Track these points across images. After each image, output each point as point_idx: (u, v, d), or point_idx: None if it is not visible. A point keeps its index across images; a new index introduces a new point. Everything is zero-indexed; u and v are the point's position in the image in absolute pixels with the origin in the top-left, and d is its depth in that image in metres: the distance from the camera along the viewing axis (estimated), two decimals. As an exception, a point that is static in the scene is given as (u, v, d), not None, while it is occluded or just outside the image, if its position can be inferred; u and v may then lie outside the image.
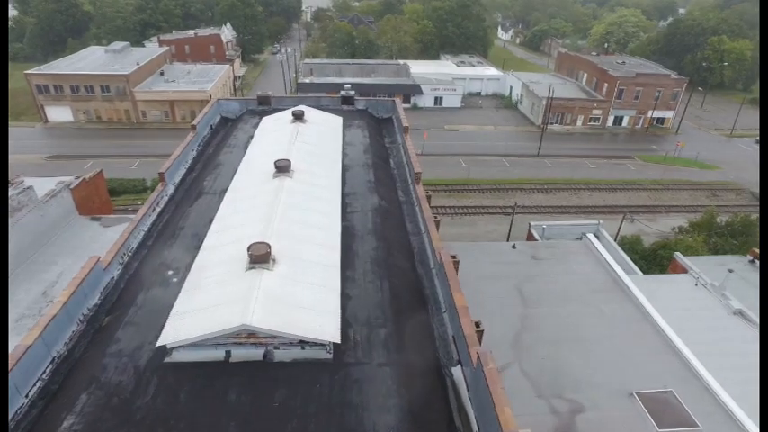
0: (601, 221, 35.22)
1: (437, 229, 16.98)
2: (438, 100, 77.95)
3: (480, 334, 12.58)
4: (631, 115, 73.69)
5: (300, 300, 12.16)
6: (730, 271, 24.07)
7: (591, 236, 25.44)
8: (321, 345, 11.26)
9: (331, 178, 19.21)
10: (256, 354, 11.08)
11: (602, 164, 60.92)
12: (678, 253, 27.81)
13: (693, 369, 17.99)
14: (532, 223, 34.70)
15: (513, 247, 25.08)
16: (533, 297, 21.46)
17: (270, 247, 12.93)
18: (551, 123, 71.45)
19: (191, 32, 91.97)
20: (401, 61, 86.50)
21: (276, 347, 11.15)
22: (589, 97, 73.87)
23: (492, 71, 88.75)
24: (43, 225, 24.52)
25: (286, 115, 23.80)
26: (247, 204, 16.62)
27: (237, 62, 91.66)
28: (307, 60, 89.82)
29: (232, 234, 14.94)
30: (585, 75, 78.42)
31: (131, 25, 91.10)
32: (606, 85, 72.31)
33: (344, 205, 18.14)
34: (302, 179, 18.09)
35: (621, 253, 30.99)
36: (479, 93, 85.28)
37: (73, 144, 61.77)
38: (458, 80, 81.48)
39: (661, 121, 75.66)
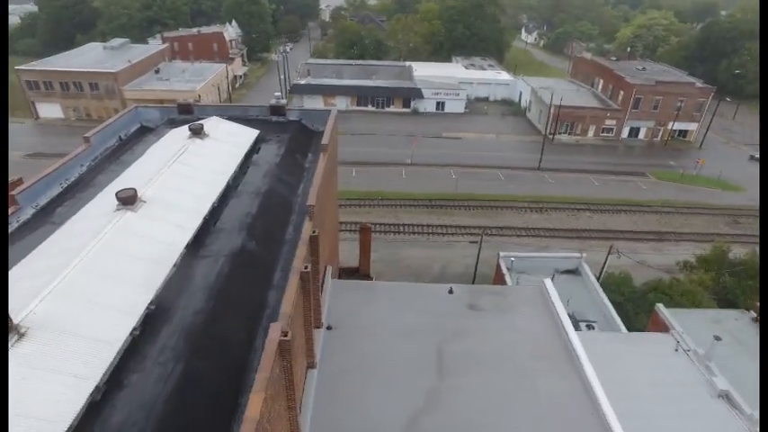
0: (584, 254, 30.87)
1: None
2: (440, 105, 73.69)
3: None
4: (649, 126, 67.65)
5: None
6: (717, 339, 19.43)
7: (548, 282, 21.17)
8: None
9: (195, 211, 15.71)
10: None
11: (609, 180, 55.51)
12: (660, 305, 23.21)
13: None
14: (501, 254, 30.72)
15: (450, 291, 21.05)
16: (454, 363, 17.46)
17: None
18: (560, 133, 66.25)
19: (194, 30, 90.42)
20: (406, 63, 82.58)
21: None
22: (603, 105, 68.22)
23: (503, 75, 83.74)
24: None
25: (186, 130, 20.50)
26: (56, 249, 13.32)
27: (238, 61, 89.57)
28: (310, 60, 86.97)
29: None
30: (601, 81, 72.65)
31: (137, 22, 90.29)
32: (622, 92, 66.53)
33: (198, 246, 14.64)
34: (149, 213, 14.68)
35: (602, 296, 26.60)
36: (487, 98, 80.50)
37: (59, 142, 60.45)
38: (464, 84, 76.93)
39: (683, 133, 69.29)
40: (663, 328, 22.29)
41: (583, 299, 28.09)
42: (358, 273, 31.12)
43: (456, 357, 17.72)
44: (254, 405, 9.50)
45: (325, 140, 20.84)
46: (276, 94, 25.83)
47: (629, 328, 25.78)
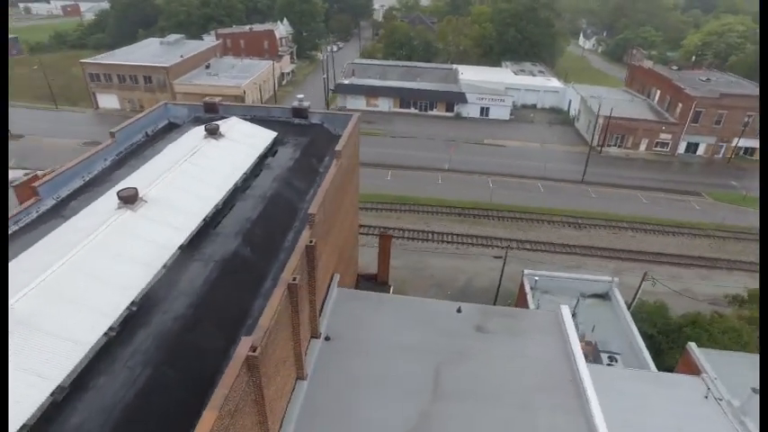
0: (616, 279, 28.90)
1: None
2: (484, 110, 71.84)
3: None
4: (710, 143, 62.93)
5: None
6: (755, 391, 17.41)
7: (565, 309, 19.78)
8: None
9: (194, 213, 15.72)
10: None
11: (659, 198, 52.03)
12: (692, 344, 21.20)
13: None
14: (526, 271, 29.28)
15: (458, 310, 20.10)
16: (452, 387, 16.58)
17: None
18: (609, 145, 62.89)
19: (246, 27, 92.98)
20: (452, 66, 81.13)
21: None
22: (658, 118, 64.13)
23: (553, 82, 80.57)
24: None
25: (202, 130, 20.69)
26: (51, 244, 13.61)
27: (286, 59, 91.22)
28: (356, 60, 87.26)
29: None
30: (658, 92, 68.34)
31: (195, 19, 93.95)
32: (680, 105, 62.22)
33: (191, 249, 14.60)
34: (148, 213, 14.81)
35: (631, 326, 24.73)
36: (535, 105, 77.72)
37: (113, 131, 63.84)
38: (511, 90, 74.65)
39: (750, 151, 63.98)
40: (694, 369, 20.33)
41: (610, 327, 26.22)
42: (376, 280, 30.62)
43: (454, 381, 16.83)
44: (205, 423, 9.20)
45: (339, 146, 20.42)
46: (299, 96, 25.73)
47: (659, 365, 23.77)
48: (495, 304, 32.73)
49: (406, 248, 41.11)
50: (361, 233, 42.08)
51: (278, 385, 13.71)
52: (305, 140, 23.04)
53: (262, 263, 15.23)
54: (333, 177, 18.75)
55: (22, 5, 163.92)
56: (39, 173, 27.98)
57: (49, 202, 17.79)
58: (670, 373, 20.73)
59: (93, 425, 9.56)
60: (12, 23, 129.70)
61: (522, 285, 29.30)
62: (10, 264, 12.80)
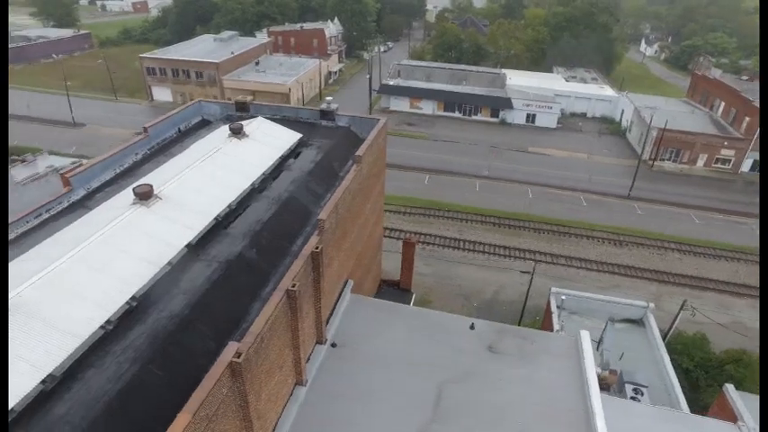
0: (651, 304, 27.13)
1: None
2: (530, 117, 69.63)
3: None
4: (778, 162, 57.90)
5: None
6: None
7: (585, 334, 18.66)
8: None
9: (206, 213, 15.98)
10: None
11: (714, 219, 48.51)
12: (729, 386, 19.44)
13: None
14: (553, 289, 28.02)
15: (472, 327, 19.40)
16: (453, 407, 15.99)
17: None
18: (662, 159, 59.33)
19: (297, 26, 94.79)
20: (500, 70, 79.17)
21: None
22: (720, 132, 59.78)
23: (606, 91, 76.95)
24: (19, 205, 25.02)
25: (227, 129, 21.07)
26: (66, 235, 14.18)
27: (335, 57, 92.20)
28: (403, 61, 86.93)
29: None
30: (723, 103, 63.73)
31: (249, 16, 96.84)
32: (748, 118, 57.70)
33: (197, 249, 14.84)
34: (161, 210, 15.20)
35: (664, 357, 23.17)
36: (585, 114, 74.53)
37: (166, 123, 66.86)
38: (560, 97, 71.98)
39: (823, 173, 58.31)
40: (729, 415, 18.63)
41: (640, 356, 24.58)
42: (398, 287, 30.28)
43: (456, 401, 16.23)
44: (177, 426, 9.23)
45: (360, 151, 20.20)
46: (328, 98, 25.72)
47: (693, 404, 22.04)
48: (521, 320, 31.61)
49: (436, 256, 40.44)
50: (392, 237, 41.86)
51: (271, 390, 13.67)
52: (329, 143, 23.00)
53: (266, 266, 15.27)
54: (349, 183, 18.57)
55: (99, 3, 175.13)
56: (84, 161, 29.62)
57: (79, 193, 18.65)
58: (701, 416, 19.05)
59: (74, 417, 9.81)
60: (87, 20, 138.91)
61: (548, 303, 28.06)
62: (29, 252, 13.44)
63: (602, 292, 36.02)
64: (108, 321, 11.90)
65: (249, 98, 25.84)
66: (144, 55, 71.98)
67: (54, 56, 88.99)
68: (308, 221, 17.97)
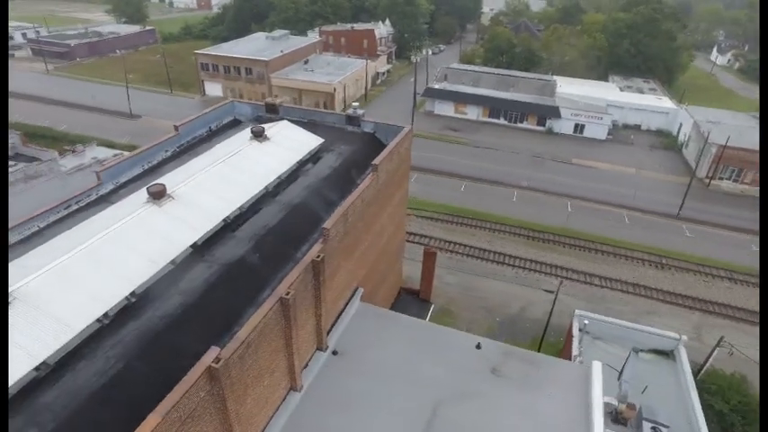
0: (684, 337, 25.46)
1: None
2: (579, 127, 66.93)
3: None
4: None
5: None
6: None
7: (596, 366, 17.67)
8: None
9: (215, 215, 16.42)
10: None
11: (773, 247, 44.66)
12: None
13: None
14: (577, 311, 26.81)
15: (478, 346, 18.85)
16: (445, 429, 15.59)
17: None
18: (721, 178, 55.36)
19: (348, 26, 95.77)
20: (551, 77, 76.66)
21: None
22: (789, 154, 54.90)
23: (664, 102, 72.67)
24: (63, 194, 26.77)
25: (249, 132, 21.53)
26: (80, 230, 14.94)
27: (383, 58, 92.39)
28: (452, 65, 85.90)
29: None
30: (795, 123, 58.47)
31: (303, 15, 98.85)
32: (822, 141, 52.67)
33: (202, 250, 15.27)
34: (171, 210, 15.78)
35: (693, 396, 21.69)
36: (638, 126, 70.78)
37: (215, 117, 69.55)
38: (612, 108, 68.75)
39: None
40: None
41: (666, 392, 23.02)
42: (418, 296, 29.98)
43: (450, 422, 15.83)
44: (146, 426, 9.50)
45: (377, 160, 20.09)
46: (354, 104, 25.76)
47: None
48: (542, 340, 30.46)
49: (463, 266, 39.69)
50: (421, 244, 41.47)
51: (259, 394, 13.85)
52: (350, 149, 23.05)
53: (267, 271, 15.47)
54: (361, 192, 18.53)
55: (167, 0, 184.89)
56: (126, 153, 31.14)
57: (107, 187, 19.64)
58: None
59: (56, 406, 10.33)
60: (155, 16, 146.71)
61: (571, 325, 26.85)
62: (44, 245, 14.22)
63: (637, 318, 34.23)
64: (105, 315, 12.46)
65: (279, 100, 26.33)
66: (198, 51, 75.13)
67: (117, 51, 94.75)
68: (317, 228, 18.00)
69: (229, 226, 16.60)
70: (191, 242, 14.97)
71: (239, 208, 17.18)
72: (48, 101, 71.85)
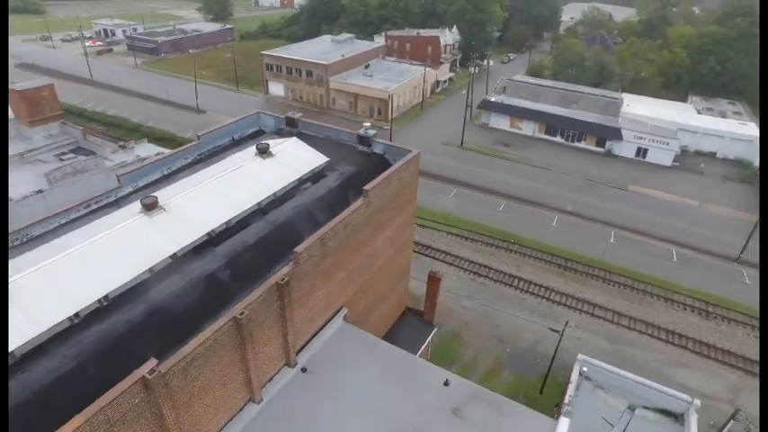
0: (697, 402, 23.49)
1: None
2: (641, 151, 62.72)
3: None
4: None
5: None
6: None
7: (563, 422, 16.88)
8: None
9: (200, 228, 17.68)
10: None
11: None
12: None
13: None
14: (580, 356, 25.48)
15: (446, 383, 18.68)
16: (389, 464, 15.75)
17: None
18: (799, 222, 49.48)
19: (414, 32, 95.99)
20: (619, 95, 72.33)
21: None
22: None
23: (747, 129, 65.98)
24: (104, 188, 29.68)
25: (254, 148, 22.65)
26: (76, 234, 16.68)
27: (446, 66, 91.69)
28: (515, 77, 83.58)
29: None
30: None
31: (372, 19, 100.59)
32: None
33: (179, 262, 16.52)
34: (160, 221, 17.23)
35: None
36: (714, 153, 64.93)
37: (275, 116, 73.11)
38: (684, 131, 63.69)
39: None
40: None
41: (661, 457, 21.40)
42: (422, 317, 29.94)
43: (396, 459, 15.94)
44: (69, 426, 10.63)
45: (369, 186, 20.41)
46: (366, 124, 26.23)
47: None
48: (545, 380, 29.28)
49: (485, 290, 38.86)
50: (445, 262, 41.18)
51: (207, 403, 14.77)
52: (354, 170, 23.55)
53: (234, 288, 16.40)
54: (344, 218, 18.97)
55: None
56: (165, 151, 33.65)
57: (126, 190, 21.60)
58: None
59: (14, 396, 11.77)
60: (241, 14, 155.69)
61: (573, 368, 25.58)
62: (51, 242, 16.09)
63: (663, 368, 31.95)
64: (77, 315, 13.94)
65: (298, 114, 27.40)
66: (264, 52, 78.94)
67: (190, 50, 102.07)
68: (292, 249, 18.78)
69: (212, 240, 17.75)
70: (170, 253, 16.24)
71: (226, 223, 18.29)
72: (129, 92, 78.97)
